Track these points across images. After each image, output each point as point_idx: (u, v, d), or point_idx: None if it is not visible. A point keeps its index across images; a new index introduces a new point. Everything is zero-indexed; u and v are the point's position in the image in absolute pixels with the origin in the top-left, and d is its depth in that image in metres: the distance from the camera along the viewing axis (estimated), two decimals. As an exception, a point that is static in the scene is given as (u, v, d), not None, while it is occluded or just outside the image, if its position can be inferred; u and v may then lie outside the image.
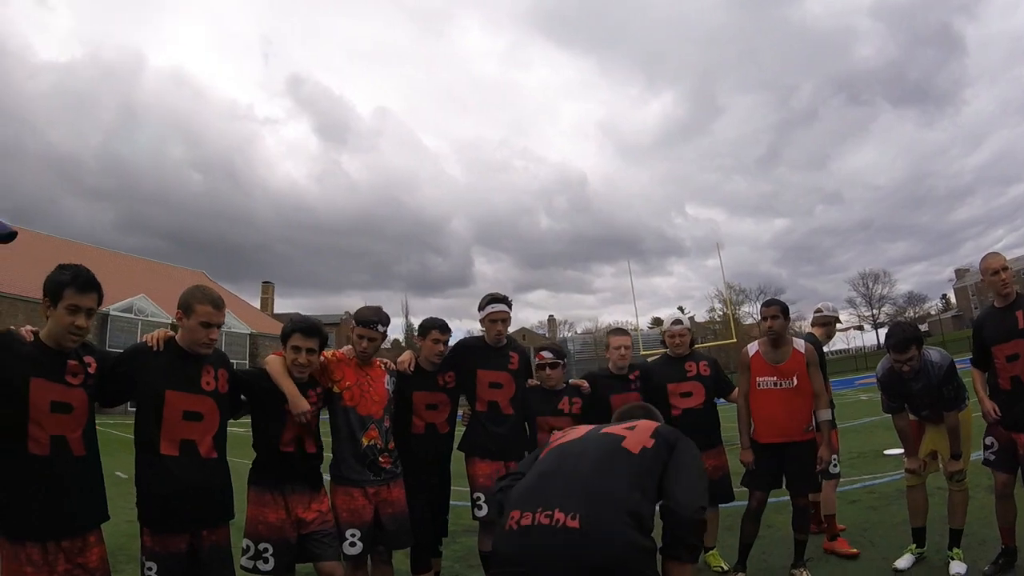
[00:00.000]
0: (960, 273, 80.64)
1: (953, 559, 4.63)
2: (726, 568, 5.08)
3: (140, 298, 39.84)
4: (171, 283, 42.61)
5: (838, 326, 6.14)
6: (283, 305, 60.77)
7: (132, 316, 38.45)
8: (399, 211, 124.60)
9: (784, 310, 4.95)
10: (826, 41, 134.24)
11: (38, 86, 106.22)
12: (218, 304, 3.53)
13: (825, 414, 4.92)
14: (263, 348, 40.49)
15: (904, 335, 4.54)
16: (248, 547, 3.70)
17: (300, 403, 3.80)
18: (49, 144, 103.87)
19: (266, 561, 3.67)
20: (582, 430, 2.88)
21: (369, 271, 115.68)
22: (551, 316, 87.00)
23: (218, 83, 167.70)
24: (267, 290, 57.43)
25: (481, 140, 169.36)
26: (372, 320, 4.24)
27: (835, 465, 5.38)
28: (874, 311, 76.25)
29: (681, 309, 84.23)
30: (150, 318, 38.26)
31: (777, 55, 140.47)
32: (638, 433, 2.65)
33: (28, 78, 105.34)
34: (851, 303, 78.22)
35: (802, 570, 4.75)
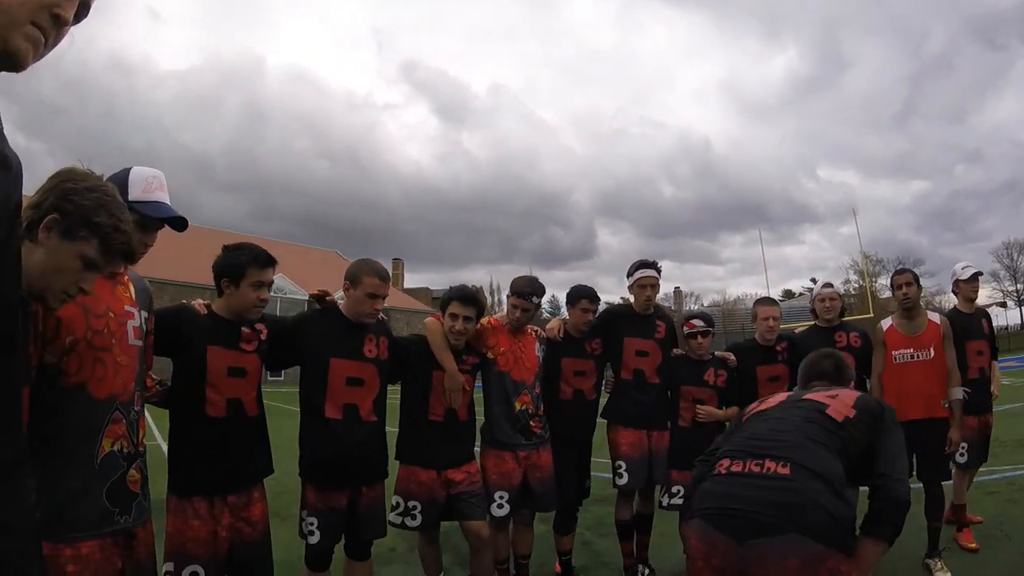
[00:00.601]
0: None
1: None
2: None
3: (279, 277, 41.59)
4: (306, 262, 44.63)
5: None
6: (413, 280, 62.88)
7: (272, 294, 40.16)
8: (520, 186, 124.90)
9: (916, 278, 4.84)
10: None
11: (163, 94, 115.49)
12: (384, 276, 3.71)
13: (957, 392, 4.82)
14: (395, 321, 40.18)
15: None
16: (398, 503, 3.93)
17: (457, 378, 3.99)
18: (182, 146, 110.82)
19: (414, 518, 3.90)
20: (781, 397, 2.84)
21: (494, 246, 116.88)
22: (677, 288, 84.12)
23: (335, 76, 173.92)
24: (397, 266, 59.20)
25: (598, 110, 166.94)
26: (527, 291, 4.35)
27: (963, 454, 5.14)
28: (1019, 285, 70.92)
29: (813, 280, 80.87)
30: (288, 295, 40.12)
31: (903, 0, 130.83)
32: (840, 402, 2.52)
33: (152, 88, 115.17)
34: (994, 276, 72.36)
35: (937, 560, 4.63)
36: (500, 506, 4.16)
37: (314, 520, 3.50)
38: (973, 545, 5.05)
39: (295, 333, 3.64)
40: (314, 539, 3.49)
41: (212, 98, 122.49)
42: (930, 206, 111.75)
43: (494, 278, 71.07)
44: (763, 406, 2.71)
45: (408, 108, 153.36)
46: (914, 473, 4.62)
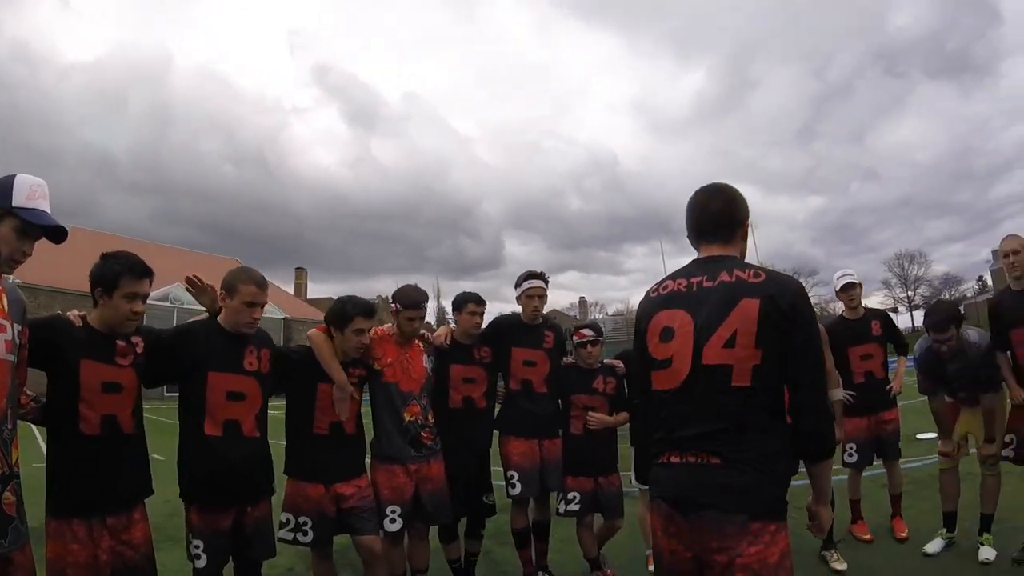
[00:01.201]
0: (997, 254, 77.88)
1: (983, 545, 4.64)
2: None
3: (176, 287, 40.12)
4: (207, 271, 41.65)
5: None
6: (316, 290, 61.21)
7: (168, 304, 38.45)
8: (430, 196, 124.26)
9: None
10: (862, 11, 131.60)
11: (68, 88, 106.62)
12: (261, 284, 3.58)
13: (836, 394, 5.03)
14: (297, 333, 40.23)
15: (943, 314, 4.54)
16: (288, 520, 3.79)
17: (347, 388, 3.87)
18: (84, 143, 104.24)
19: (305, 534, 3.76)
20: (686, 357, 2.32)
21: (402, 255, 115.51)
22: (582, 298, 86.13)
23: (245, 77, 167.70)
24: (300, 276, 57.28)
25: (511, 122, 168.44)
26: (418, 301, 4.29)
27: (851, 454, 5.37)
28: (909, 293, 75.21)
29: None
30: (186, 306, 38.18)
31: (811, 25, 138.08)
32: (741, 349, 2.08)
33: (58, 81, 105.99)
34: (886, 284, 77.29)
35: (833, 552, 4.81)
36: (393, 520, 4.05)
37: (200, 543, 3.33)
38: (868, 536, 5.26)
39: (173, 345, 3.43)
40: (201, 563, 3.32)
41: (117, 94, 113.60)
42: (826, 220, 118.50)
43: (438, 282, 70.66)
44: (669, 379, 2.19)
45: (318, 112, 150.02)
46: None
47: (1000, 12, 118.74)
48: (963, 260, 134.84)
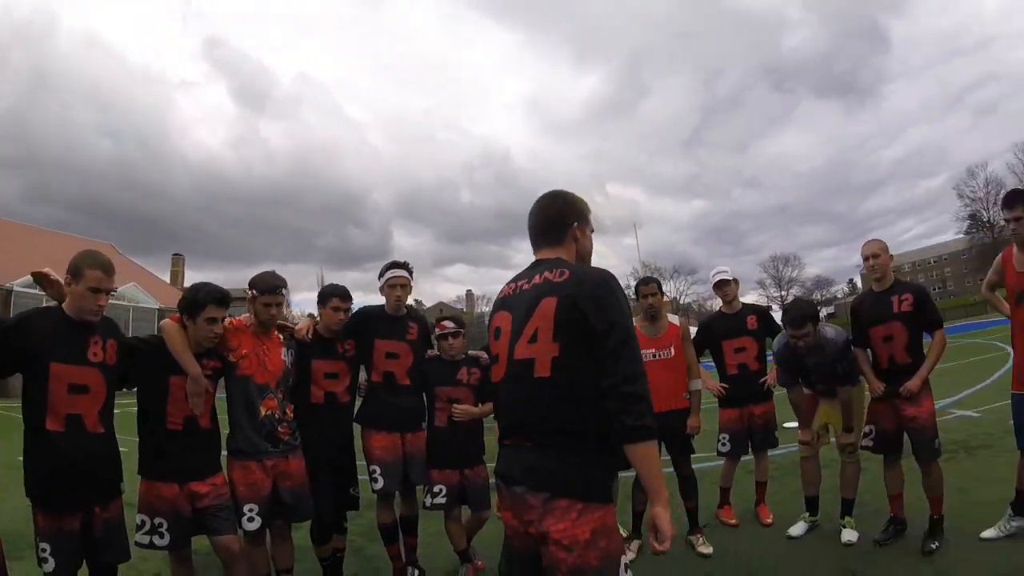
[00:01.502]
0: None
1: (845, 527, 4.82)
2: (625, 535, 5.12)
3: (130, 286, 37.71)
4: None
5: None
6: (194, 278, 58.04)
7: (38, 292, 36.47)
8: (318, 182, 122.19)
9: (660, 287, 5.13)
10: (756, 28, 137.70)
11: None
12: (108, 269, 3.37)
13: (696, 384, 5.18)
14: None
15: (801, 311, 4.68)
16: (143, 522, 3.60)
17: (201, 381, 3.68)
18: None
19: (162, 536, 3.60)
20: (503, 346, 2.53)
21: (285, 243, 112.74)
22: (469, 291, 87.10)
23: (132, 45, 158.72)
24: (177, 263, 54.83)
25: (405, 111, 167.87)
26: (275, 285, 4.10)
27: (724, 444, 5.57)
28: (783, 293, 79.41)
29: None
30: (141, 304, 36.35)
31: (707, 39, 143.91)
32: (542, 343, 2.25)
33: None
34: (761, 284, 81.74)
35: (698, 536, 4.94)
36: (251, 519, 3.87)
37: (47, 546, 3.15)
38: (734, 521, 5.43)
39: (7, 336, 3.20)
40: (49, 567, 3.14)
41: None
42: (708, 223, 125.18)
43: (322, 273, 68.38)
44: (497, 373, 2.43)
45: (206, 88, 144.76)
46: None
47: (890, 39, 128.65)
48: (835, 264, 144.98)
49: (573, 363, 2.17)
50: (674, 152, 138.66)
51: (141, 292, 39.35)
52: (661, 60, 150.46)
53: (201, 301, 3.70)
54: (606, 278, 2.26)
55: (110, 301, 3.43)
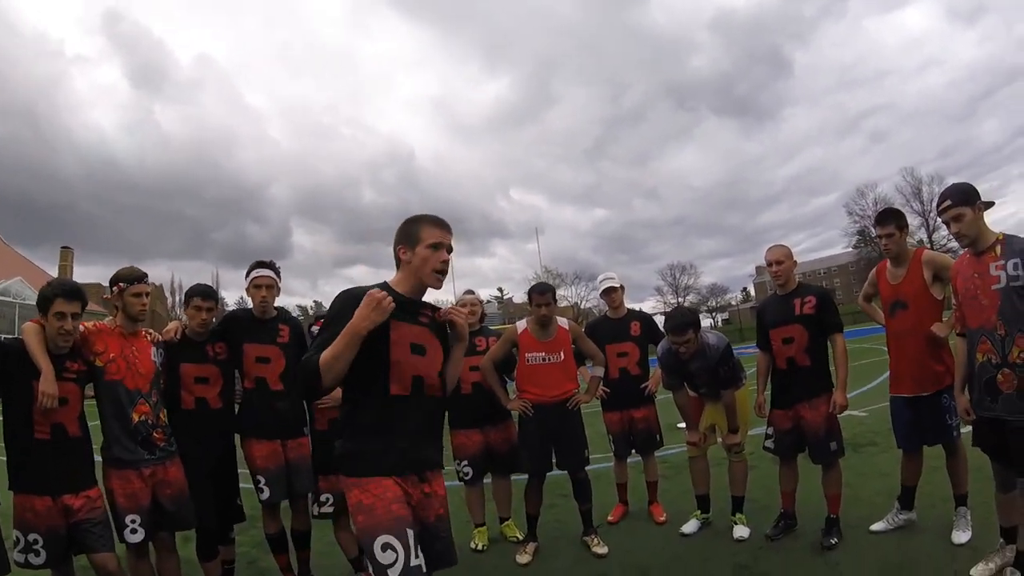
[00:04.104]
0: (760, 269, 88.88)
1: (737, 524, 4.93)
2: (520, 538, 5.19)
3: (17, 281, 35.67)
4: None
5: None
6: (83, 273, 55.73)
7: (9, 300, 34.39)
8: (215, 173, 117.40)
9: (554, 296, 5.11)
10: (664, 47, 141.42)
11: None
12: None
13: (598, 370, 5.30)
14: None
15: (682, 319, 4.75)
16: (18, 539, 3.42)
17: (51, 384, 3.42)
18: None
19: (37, 554, 3.41)
20: None
21: (180, 237, 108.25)
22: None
23: (25, 11, 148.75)
24: (66, 256, 51.56)
25: (309, 104, 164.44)
26: (143, 273, 4.00)
27: (611, 444, 5.76)
28: (680, 299, 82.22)
29: (500, 290, 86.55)
30: (27, 301, 34.12)
31: (616, 54, 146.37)
32: None
33: None
34: (659, 291, 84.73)
35: (593, 536, 4.97)
36: (133, 531, 3.69)
37: None
38: (610, 518, 5.60)
39: None
40: None
41: None
42: (608, 231, 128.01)
43: (176, 275, 65.34)
44: None
45: (100, 65, 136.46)
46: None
47: (792, 66, 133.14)
48: (729, 273, 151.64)
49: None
50: (577, 161, 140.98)
51: (27, 287, 37.45)
52: (569, 70, 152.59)
53: (49, 296, 3.51)
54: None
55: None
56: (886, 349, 4.63)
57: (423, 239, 2.66)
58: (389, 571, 2.26)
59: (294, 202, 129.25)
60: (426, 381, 2.67)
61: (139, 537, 3.70)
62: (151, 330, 4.15)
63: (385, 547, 2.23)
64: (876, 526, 4.53)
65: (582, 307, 75.97)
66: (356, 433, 2.54)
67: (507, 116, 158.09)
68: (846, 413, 4.59)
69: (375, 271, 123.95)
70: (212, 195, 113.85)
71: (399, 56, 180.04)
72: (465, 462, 5.22)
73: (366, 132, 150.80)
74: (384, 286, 2.66)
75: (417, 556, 2.35)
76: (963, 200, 3.51)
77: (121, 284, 3.89)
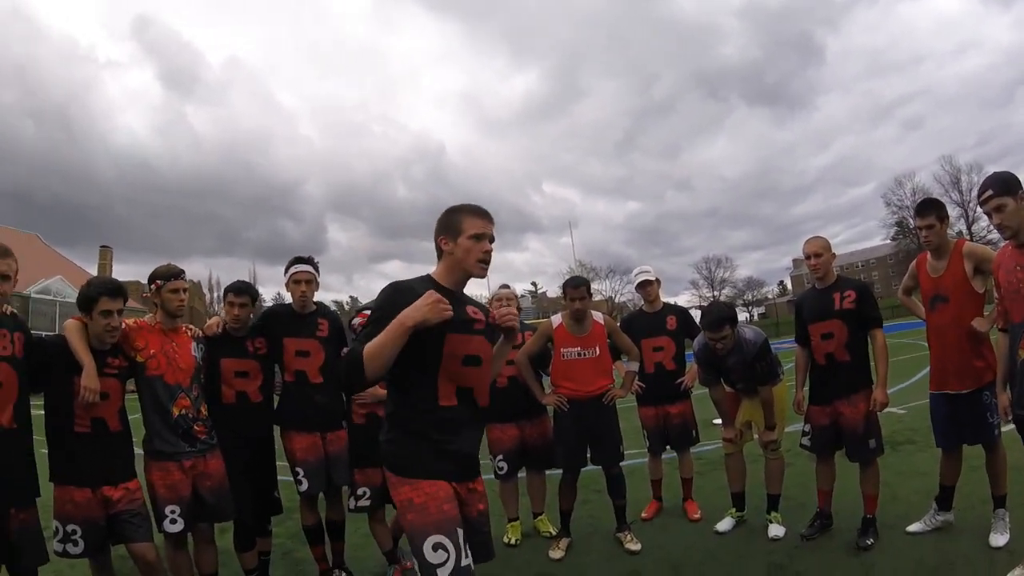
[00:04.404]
0: (797, 262, 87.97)
1: (772, 522, 4.87)
2: (553, 533, 5.20)
3: (58, 280, 36.32)
4: None
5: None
6: (122, 272, 56.37)
7: (51, 298, 35.06)
8: (249, 172, 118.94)
9: (588, 290, 5.11)
10: (692, 36, 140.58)
11: None
12: (5, 254, 3.29)
13: (633, 365, 5.31)
14: None
15: (719, 315, 4.71)
16: (57, 529, 3.48)
17: (93, 380, 3.49)
18: None
19: (76, 544, 3.47)
20: None
21: (216, 236, 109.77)
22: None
23: (57, 19, 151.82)
24: (105, 255, 52.40)
25: (339, 101, 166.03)
26: (179, 269, 4.07)
27: (645, 439, 5.74)
28: (715, 293, 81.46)
29: (534, 284, 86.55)
30: (67, 300, 34.78)
31: (643, 44, 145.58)
32: None
33: None
34: (694, 285, 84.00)
35: (627, 533, 4.96)
36: (173, 521, 3.75)
37: None
38: (645, 515, 5.58)
39: None
40: None
41: None
42: (641, 224, 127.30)
43: (213, 272, 66.03)
44: None
45: (132, 70, 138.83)
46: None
47: (824, 53, 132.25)
48: (765, 266, 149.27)
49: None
50: (608, 153, 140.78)
51: (68, 286, 38.06)
52: (597, 62, 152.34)
53: (93, 295, 3.58)
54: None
55: (36, 295, 3.30)
56: (926, 344, 4.55)
57: (465, 230, 2.62)
58: (439, 571, 2.25)
59: (328, 199, 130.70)
60: (476, 390, 2.65)
61: (179, 527, 3.76)
62: (191, 326, 4.20)
63: (436, 547, 2.22)
64: (913, 527, 4.45)
65: (616, 301, 75.71)
66: (407, 435, 2.49)
67: (536, 110, 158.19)
68: (885, 410, 4.51)
69: (409, 266, 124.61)
70: (246, 193, 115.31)
71: (426, 51, 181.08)
72: (500, 457, 5.22)
73: (396, 128, 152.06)
74: (428, 280, 2.65)
75: (467, 556, 2.34)
76: (1005, 190, 3.42)
77: (159, 281, 3.95)
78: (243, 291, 4.34)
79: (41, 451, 3.36)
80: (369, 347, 2.34)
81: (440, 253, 2.69)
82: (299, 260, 4.51)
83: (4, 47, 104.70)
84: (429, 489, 2.41)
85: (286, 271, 4.51)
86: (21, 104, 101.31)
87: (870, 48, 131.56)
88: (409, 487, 2.38)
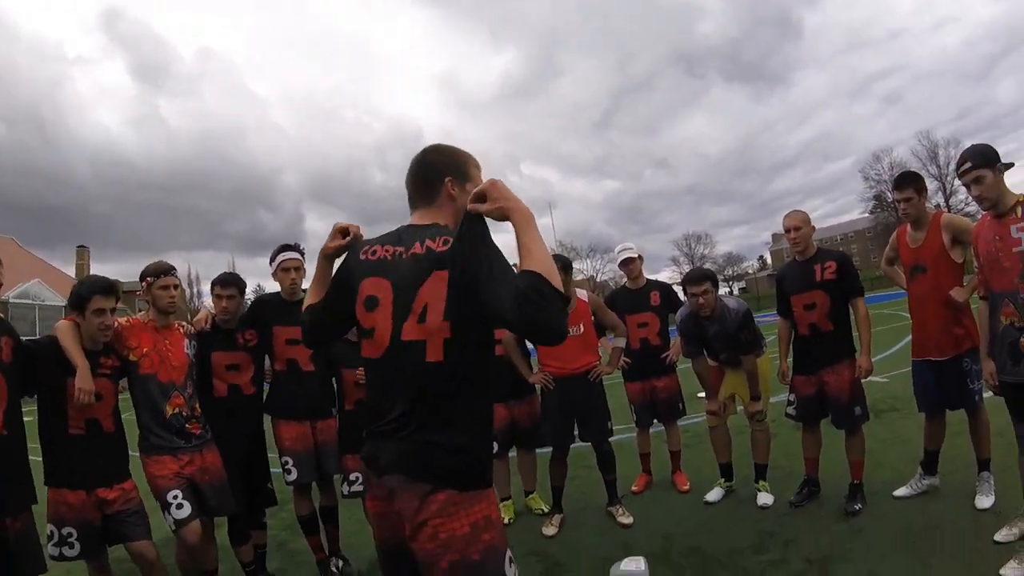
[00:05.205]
0: (776, 237, 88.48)
1: (760, 491, 4.95)
2: (546, 510, 5.26)
3: (35, 283, 35.75)
4: None
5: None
6: (101, 271, 55.16)
7: (29, 302, 34.51)
8: (225, 164, 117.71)
9: (570, 268, 5.01)
10: (670, 13, 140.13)
11: None
12: None
13: (620, 341, 5.29)
14: None
15: (700, 272, 4.84)
16: (52, 533, 3.46)
17: (88, 381, 3.46)
18: None
19: (72, 547, 3.45)
20: (386, 328, 2.17)
21: (194, 230, 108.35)
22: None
23: (24, 17, 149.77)
24: (83, 255, 50.90)
25: (313, 89, 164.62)
26: (169, 266, 4.02)
27: (632, 414, 5.82)
28: None
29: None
30: (47, 303, 34.36)
31: (621, 22, 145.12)
32: (432, 322, 1.95)
33: None
34: (674, 261, 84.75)
35: (618, 507, 5.02)
36: (179, 506, 3.71)
37: None
38: (685, 487, 5.60)
39: None
40: None
41: None
42: (620, 203, 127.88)
43: (192, 267, 65.36)
44: (373, 349, 2.05)
45: (102, 64, 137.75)
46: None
47: (801, 28, 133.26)
48: (745, 242, 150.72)
49: (466, 344, 1.92)
50: (587, 132, 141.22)
51: (46, 289, 37.78)
52: (575, 41, 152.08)
53: (86, 294, 3.56)
54: (475, 223, 1.92)
55: (14, 300, 3.28)
56: (905, 315, 4.62)
57: (474, 178, 2.16)
58: None
59: (305, 188, 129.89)
60: None
61: (186, 512, 3.71)
62: (183, 322, 4.19)
63: (511, 560, 1.97)
64: (899, 491, 4.54)
65: (598, 280, 75.84)
66: (484, 432, 2.01)
67: (514, 90, 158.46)
68: (868, 379, 4.58)
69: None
70: (223, 186, 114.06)
71: (402, 35, 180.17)
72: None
73: (372, 114, 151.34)
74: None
75: None
76: (983, 162, 3.46)
77: (149, 279, 3.92)
78: (229, 282, 4.29)
79: (34, 459, 3.34)
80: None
81: (434, 198, 2.12)
82: (286, 247, 4.49)
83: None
84: (496, 499, 2.09)
85: (272, 260, 4.49)
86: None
87: (847, 24, 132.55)
88: (487, 502, 1.95)
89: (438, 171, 2.12)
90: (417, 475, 1.86)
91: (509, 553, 1.95)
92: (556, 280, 1.74)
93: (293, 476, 4.32)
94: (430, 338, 1.90)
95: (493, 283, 1.79)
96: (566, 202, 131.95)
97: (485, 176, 2.09)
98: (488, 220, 1.90)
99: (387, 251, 2.07)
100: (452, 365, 1.90)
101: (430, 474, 1.86)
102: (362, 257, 2.13)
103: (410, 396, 1.91)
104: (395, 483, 1.89)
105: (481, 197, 1.88)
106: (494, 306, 1.78)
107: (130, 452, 3.77)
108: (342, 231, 2.30)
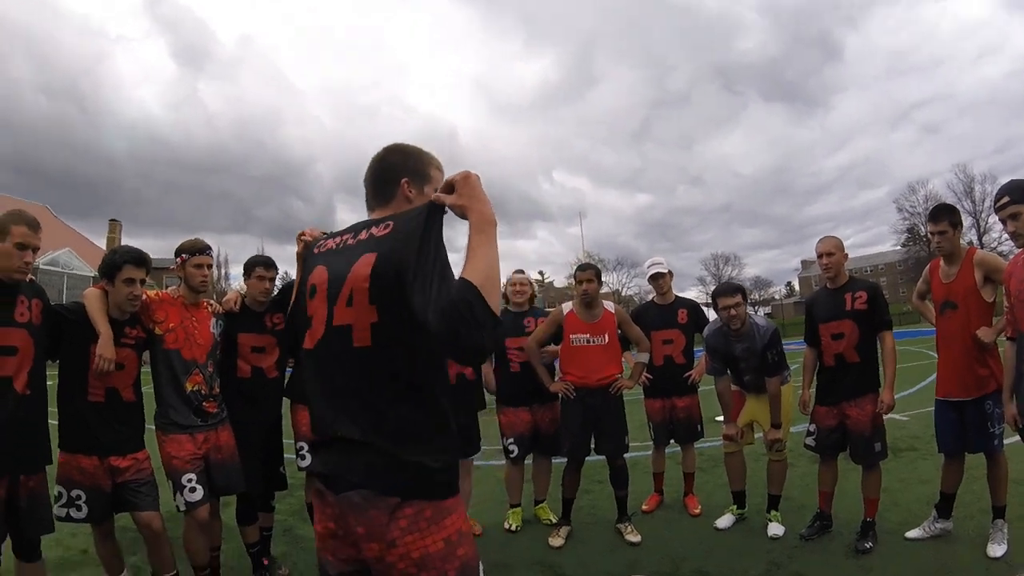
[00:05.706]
0: (806, 264, 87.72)
1: (771, 521, 4.90)
2: (554, 521, 5.23)
3: (65, 252, 36.17)
4: None
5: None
6: (132, 245, 56.13)
7: (59, 270, 34.98)
8: (259, 150, 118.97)
9: (598, 275, 5.12)
10: (710, 28, 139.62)
11: None
12: (34, 225, 3.27)
13: (642, 356, 5.27)
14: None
15: (730, 284, 4.86)
16: (60, 494, 3.50)
17: (109, 348, 3.50)
18: None
19: (79, 509, 3.50)
20: (321, 313, 2.04)
21: (226, 213, 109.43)
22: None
23: None
24: (114, 228, 51.88)
25: (351, 83, 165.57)
26: (205, 245, 4.08)
27: (650, 432, 5.79)
28: None
29: (541, 273, 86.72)
30: (75, 271, 34.92)
31: (660, 33, 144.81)
32: (357, 308, 1.83)
33: None
34: (701, 281, 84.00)
35: (627, 524, 4.99)
36: (192, 489, 3.75)
37: None
38: (696, 511, 5.51)
39: None
40: None
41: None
42: (651, 217, 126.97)
43: (223, 250, 65.94)
44: (310, 339, 1.94)
45: (144, 44, 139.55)
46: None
47: (842, 51, 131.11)
48: (774, 266, 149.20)
49: (394, 330, 1.75)
50: (621, 144, 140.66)
51: (76, 258, 38.35)
52: (613, 50, 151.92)
53: (118, 262, 3.59)
54: (428, 208, 1.82)
55: (44, 267, 3.32)
56: (930, 353, 4.56)
57: (434, 181, 2.07)
58: None
59: (337, 179, 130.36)
60: None
61: (199, 495, 3.74)
62: (212, 301, 4.22)
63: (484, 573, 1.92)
64: (912, 533, 4.47)
65: (623, 294, 75.62)
66: (451, 438, 1.87)
67: (550, 95, 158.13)
68: (888, 416, 4.53)
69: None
70: (256, 172, 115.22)
71: (440, 34, 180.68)
72: (512, 440, 5.24)
73: (406, 111, 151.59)
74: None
75: None
76: (1022, 197, 3.43)
77: (184, 255, 3.96)
78: (273, 265, 4.35)
79: (50, 422, 3.39)
80: None
81: (391, 198, 2.04)
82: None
83: (18, 20, 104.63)
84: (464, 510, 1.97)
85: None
86: (34, 79, 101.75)
87: (890, 49, 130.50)
88: (456, 515, 1.82)
89: (396, 171, 2.05)
90: (381, 488, 1.73)
91: (481, 565, 1.88)
92: (493, 295, 1.64)
93: (307, 462, 4.31)
94: (356, 321, 1.79)
95: (423, 281, 1.68)
96: (596, 213, 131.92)
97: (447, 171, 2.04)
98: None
99: (336, 242, 2.01)
100: (382, 351, 1.77)
101: (396, 487, 1.73)
102: (315, 251, 2.07)
103: (348, 392, 1.81)
104: (358, 499, 1.74)
105: (450, 188, 1.81)
106: (416, 308, 1.65)
107: (147, 425, 3.80)
108: (300, 234, 2.39)
